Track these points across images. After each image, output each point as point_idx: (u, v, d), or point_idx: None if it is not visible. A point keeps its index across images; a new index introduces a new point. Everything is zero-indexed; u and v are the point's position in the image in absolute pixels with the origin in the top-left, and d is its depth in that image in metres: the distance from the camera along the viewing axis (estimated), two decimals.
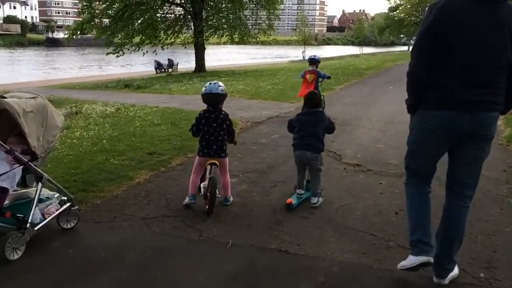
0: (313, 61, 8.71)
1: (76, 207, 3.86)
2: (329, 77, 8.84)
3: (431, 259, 2.82)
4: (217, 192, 4.18)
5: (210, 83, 4.27)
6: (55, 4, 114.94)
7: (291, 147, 4.55)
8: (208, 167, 4.26)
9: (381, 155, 6.15)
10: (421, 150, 2.91)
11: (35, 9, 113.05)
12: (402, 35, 74.18)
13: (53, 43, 70.04)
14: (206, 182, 4.25)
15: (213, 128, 4.19)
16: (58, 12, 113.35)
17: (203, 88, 4.28)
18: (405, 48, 74.52)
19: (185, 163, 5.66)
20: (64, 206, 3.74)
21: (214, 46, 49.80)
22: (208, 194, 4.09)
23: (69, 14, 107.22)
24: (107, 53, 23.39)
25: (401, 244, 3.49)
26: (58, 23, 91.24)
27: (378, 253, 3.37)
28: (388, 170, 5.43)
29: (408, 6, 60.93)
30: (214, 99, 4.24)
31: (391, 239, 3.59)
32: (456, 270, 2.99)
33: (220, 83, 4.29)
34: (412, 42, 73.16)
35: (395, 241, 3.56)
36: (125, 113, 9.62)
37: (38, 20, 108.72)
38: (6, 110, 3.31)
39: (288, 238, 3.60)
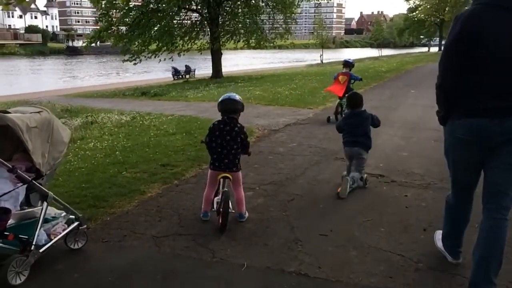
0: (347, 63, 9.21)
1: (85, 226, 3.66)
2: (361, 79, 9.15)
3: (459, 261, 3.16)
4: (230, 207, 3.96)
5: (226, 94, 4.15)
6: (75, 13, 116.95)
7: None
8: (221, 180, 4.03)
9: (405, 164, 5.84)
10: (457, 160, 2.94)
11: (56, 19, 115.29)
12: (422, 36, 73.19)
13: (73, 52, 71.19)
14: (219, 197, 4.04)
15: (226, 141, 3.97)
16: (78, 21, 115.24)
17: (220, 98, 4.11)
18: (425, 49, 73.37)
19: (199, 175, 5.45)
20: (72, 226, 3.55)
21: (231, 51, 49.86)
22: (221, 209, 3.87)
23: (88, 22, 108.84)
24: (124, 61, 23.47)
25: (431, 266, 3.20)
26: (78, 32, 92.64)
27: (406, 277, 3.08)
28: (413, 181, 5.11)
29: (428, 6, 60.09)
30: (231, 106, 4.03)
31: (420, 260, 3.29)
32: None
33: (237, 95, 4.14)
34: (432, 43, 72.25)
35: (425, 262, 3.27)
36: (140, 122, 9.50)
37: (58, 29, 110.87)
38: (9, 126, 3.16)
39: (308, 259, 3.34)
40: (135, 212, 4.33)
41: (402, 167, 5.67)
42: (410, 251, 3.44)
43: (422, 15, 62.51)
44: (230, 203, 3.98)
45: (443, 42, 63.81)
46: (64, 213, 3.64)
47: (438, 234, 3.39)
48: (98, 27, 24.54)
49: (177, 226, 3.98)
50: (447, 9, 58.19)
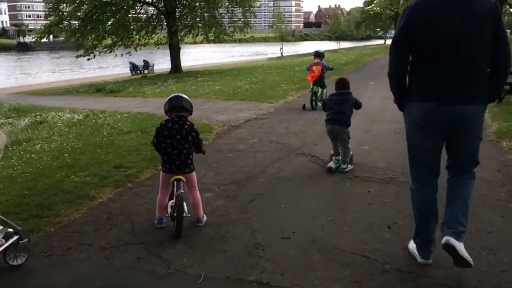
0: (318, 54, 9.81)
1: (25, 240, 3.30)
2: (332, 69, 10.31)
3: (429, 262, 3.05)
4: (186, 211, 3.69)
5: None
6: (26, 8, 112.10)
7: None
8: (175, 183, 3.74)
9: (366, 158, 5.74)
10: (416, 143, 3.00)
11: (5, 14, 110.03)
12: (378, 29, 74.67)
13: (25, 48, 68.07)
14: (173, 201, 3.76)
15: (176, 141, 3.70)
16: (29, 16, 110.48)
17: (167, 98, 3.86)
18: (381, 41, 74.93)
19: (155, 177, 5.13)
20: (10, 241, 3.19)
21: (191, 46, 49.03)
22: (175, 214, 3.61)
23: (40, 17, 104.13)
24: (77, 56, 22.51)
25: (398, 267, 3.06)
26: (30, 27, 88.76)
27: (373, 280, 2.92)
28: (375, 176, 5.01)
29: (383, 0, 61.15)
30: (178, 103, 3.79)
31: (386, 261, 3.15)
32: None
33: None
34: (388, 35, 73.84)
35: (391, 263, 3.12)
36: (94, 120, 9.03)
37: (8, 25, 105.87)
38: None
39: (270, 266, 3.12)
40: (83, 220, 3.99)
41: (364, 161, 5.57)
42: (376, 251, 3.30)
43: (378, 9, 63.65)
44: (185, 206, 3.71)
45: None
46: (1, 227, 3.27)
47: (411, 241, 3.23)
48: (48, 22, 23.44)
49: (129, 235, 3.68)
50: (401, 2, 59.45)
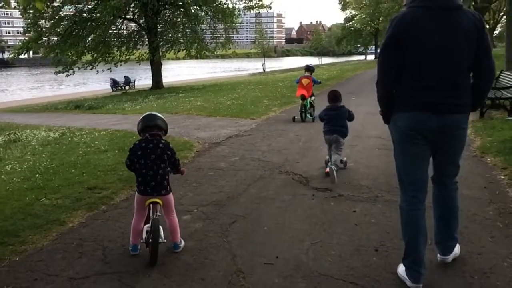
0: (309, 68, 10.09)
1: None
2: (320, 82, 10.70)
3: (420, 286, 2.91)
4: (162, 236, 3.48)
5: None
6: (5, 24, 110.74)
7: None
8: (151, 206, 3.51)
9: (351, 175, 5.58)
10: (404, 155, 2.98)
11: None
12: (359, 45, 75.72)
13: (4, 64, 67.03)
14: (149, 225, 3.51)
15: (151, 161, 3.48)
16: (9, 32, 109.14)
17: (140, 117, 3.66)
18: (362, 57, 76.01)
19: (131, 198, 4.85)
20: None
21: (173, 61, 48.95)
22: (150, 240, 3.37)
23: (20, 33, 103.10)
24: (56, 73, 22.13)
25: None
26: (9, 43, 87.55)
27: None
28: (360, 194, 4.85)
29: (363, 16, 62.25)
30: (151, 122, 3.58)
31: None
32: (457, 249, 3.26)
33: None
34: (368, 51, 74.96)
35: None
36: (70, 138, 8.73)
37: None
38: None
39: None
40: (51, 248, 3.72)
41: (349, 179, 5.41)
42: (364, 277, 3.11)
43: (358, 25, 64.68)
44: (161, 231, 3.50)
45: (378, 51, 66.70)
46: None
47: (401, 265, 3.11)
48: (27, 38, 23.04)
49: (101, 263, 3.42)
50: (381, 19, 60.59)
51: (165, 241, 3.54)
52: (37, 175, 5.74)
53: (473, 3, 34.39)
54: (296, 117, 9.76)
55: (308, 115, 9.80)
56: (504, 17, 52.39)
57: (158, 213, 3.53)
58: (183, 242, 3.66)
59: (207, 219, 4.27)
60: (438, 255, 3.21)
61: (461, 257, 3.30)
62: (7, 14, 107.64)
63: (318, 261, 3.37)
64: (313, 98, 9.96)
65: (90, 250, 3.64)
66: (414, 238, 2.94)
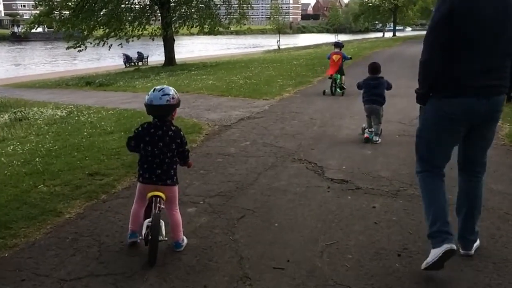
0: (338, 44, 10.75)
1: None
2: (350, 58, 11.30)
3: (454, 247, 2.77)
4: (162, 234, 3.19)
5: (154, 89, 3.21)
6: None
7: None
8: (153, 199, 3.19)
9: (369, 165, 5.20)
10: (438, 139, 2.94)
11: None
12: (376, 22, 73.86)
13: (19, 38, 67.03)
14: (150, 219, 3.20)
15: (159, 149, 3.18)
16: (24, 6, 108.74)
17: (146, 96, 3.23)
18: (380, 34, 74.10)
19: (133, 186, 4.53)
20: None
21: (187, 37, 48.27)
22: (149, 237, 3.07)
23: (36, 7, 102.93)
24: (67, 48, 21.79)
25: None
26: (25, 17, 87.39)
27: None
28: (380, 188, 4.47)
29: None
30: (156, 112, 3.22)
31: None
32: (478, 241, 3.15)
33: (168, 89, 3.22)
34: (386, 28, 73.11)
35: None
36: (76, 117, 8.45)
37: (3, 15, 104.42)
38: None
39: None
40: (44, 243, 3.44)
41: (367, 169, 5.03)
42: (386, 287, 2.77)
43: (377, 1, 62.92)
44: (163, 229, 3.21)
45: (397, 27, 64.31)
46: None
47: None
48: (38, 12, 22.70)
49: (95, 262, 3.13)
50: None
51: (166, 239, 3.25)
52: (37, 159, 5.46)
53: None
54: (326, 91, 10.28)
55: (338, 89, 10.26)
56: None
57: (162, 206, 3.23)
58: (185, 240, 3.36)
59: (213, 212, 3.95)
60: (460, 250, 3.08)
61: (494, 265, 2.96)
62: None
63: (333, 266, 3.03)
64: (343, 77, 10.44)
65: (85, 246, 3.35)
66: (439, 207, 2.88)
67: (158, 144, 3.18)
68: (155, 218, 3.08)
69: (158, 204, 3.18)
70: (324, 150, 5.85)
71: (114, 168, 5.11)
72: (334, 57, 10.13)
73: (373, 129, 6.15)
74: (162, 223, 3.25)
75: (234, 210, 3.99)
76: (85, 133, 6.84)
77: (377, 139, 6.08)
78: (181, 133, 3.29)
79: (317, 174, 4.93)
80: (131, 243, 3.32)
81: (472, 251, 3.08)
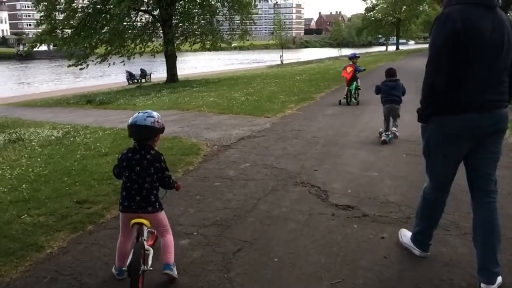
0: (352, 57, 11.51)
1: None
2: (364, 69, 12.10)
3: (428, 254, 3.26)
4: (148, 264, 2.98)
5: (139, 112, 3.07)
6: (26, 16, 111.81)
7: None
8: (136, 226, 2.95)
9: (376, 188, 4.87)
10: (443, 156, 2.96)
11: (6, 22, 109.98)
12: (379, 35, 73.97)
13: (23, 57, 67.55)
14: None
15: (136, 173, 2.97)
16: (30, 25, 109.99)
17: (130, 118, 3.07)
18: (383, 48, 74.12)
19: None
20: None
21: (190, 53, 48.34)
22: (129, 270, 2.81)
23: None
24: (69, 66, 21.72)
25: None
26: (30, 36, 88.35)
27: None
28: (389, 214, 4.14)
29: (385, 5, 60.67)
30: (139, 133, 3.02)
31: None
32: (500, 278, 2.89)
33: (153, 113, 3.07)
34: (389, 42, 73.14)
35: None
36: (72, 138, 8.20)
37: (9, 33, 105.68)
38: None
39: None
40: (20, 283, 3.13)
41: (374, 194, 4.70)
42: None
43: (379, 15, 63.06)
44: (150, 257, 3.05)
45: (400, 41, 64.15)
46: None
47: (404, 231, 3.50)
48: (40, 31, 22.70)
49: None
50: (403, 8, 58.92)
51: (151, 269, 2.98)
52: (24, 185, 5.17)
53: None
54: (342, 100, 11.02)
55: (353, 99, 10.98)
56: None
57: (145, 237, 3.06)
58: (174, 270, 3.07)
59: (207, 245, 3.63)
60: (482, 284, 2.85)
61: None
62: (28, 6, 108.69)
63: None
64: (358, 81, 11.13)
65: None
66: (432, 226, 3.20)
67: (135, 169, 2.98)
68: (136, 247, 2.87)
69: (141, 233, 2.96)
70: (328, 172, 5.53)
71: (105, 194, 4.81)
72: (347, 69, 10.91)
73: (389, 132, 6.91)
74: (150, 252, 3.09)
75: (230, 242, 3.67)
76: (78, 156, 6.57)
77: (395, 130, 6.95)
78: (162, 157, 3.08)
79: (320, 199, 4.61)
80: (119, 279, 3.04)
81: (496, 286, 2.83)
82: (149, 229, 3.16)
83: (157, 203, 3.02)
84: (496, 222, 2.91)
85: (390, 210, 4.25)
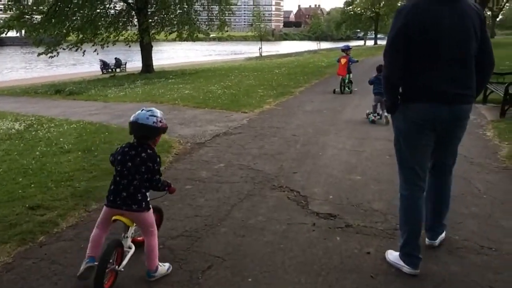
0: (345, 48, 12.04)
1: None
2: (356, 61, 12.51)
3: (418, 272, 2.98)
4: (122, 264, 2.89)
5: (143, 109, 2.99)
6: None
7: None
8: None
9: (360, 194, 4.54)
10: (411, 145, 2.97)
11: None
12: (358, 30, 74.23)
13: None
14: None
15: (127, 169, 2.88)
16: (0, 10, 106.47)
17: (132, 115, 2.96)
18: (361, 42, 74.36)
19: (81, 224, 3.85)
20: None
21: (168, 43, 47.30)
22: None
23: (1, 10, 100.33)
24: (39, 54, 20.74)
25: None
26: None
27: None
28: (374, 225, 3.80)
29: (364, 0, 60.77)
30: (139, 132, 2.94)
31: None
32: (443, 234, 3.38)
33: (156, 112, 2.99)
34: (367, 36, 73.53)
35: None
36: (34, 132, 7.63)
37: None
38: None
39: None
40: None
41: (357, 200, 4.37)
42: None
43: (358, 9, 63.18)
44: (127, 257, 2.94)
45: (378, 36, 64.83)
46: None
47: (391, 251, 3.22)
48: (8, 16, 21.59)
49: None
50: (382, 3, 59.13)
51: (122, 270, 2.87)
52: None
53: None
54: (336, 90, 11.77)
55: (346, 88, 11.70)
56: (507, 4, 51.26)
57: (128, 235, 2.99)
58: (163, 270, 2.97)
59: (174, 261, 3.22)
60: (427, 239, 3.33)
61: None
62: None
63: None
64: (351, 75, 11.77)
65: None
66: (416, 225, 3.01)
67: (127, 164, 2.89)
68: (110, 244, 2.79)
69: (125, 231, 2.98)
70: (308, 174, 5.17)
71: (62, 198, 4.34)
72: (342, 60, 11.45)
73: (376, 114, 7.96)
74: (130, 251, 2.99)
75: (199, 257, 3.27)
76: (38, 153, 6.04)
77: (386, 114, 7.47)
78: (157, 159, 2.96)
79: (300, 206, 4.25)
80: (87, 268, 2.79)
81: (437, 243, 3.32)
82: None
83: (143, 202, 2.90)
84: (448, 194, 3.25)
85: (375, 219, 3.92)
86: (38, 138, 7.09)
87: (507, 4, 48.96)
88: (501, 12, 49.65)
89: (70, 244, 3.48)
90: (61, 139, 6.84)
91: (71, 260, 3.21)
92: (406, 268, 3.01)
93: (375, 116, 7.98)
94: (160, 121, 2.94)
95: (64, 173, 5.08)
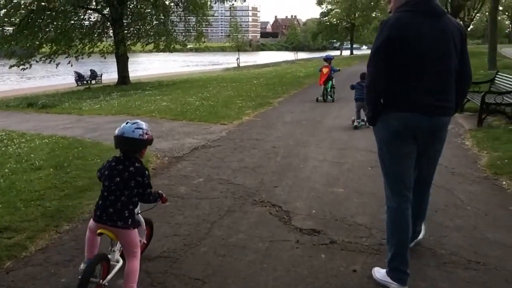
0: (327, 58, 12.42)
1: None
2: (338, 70, 12.72)
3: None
4: (107, 279, 2.82)
5: (127, 122, 2.91)
6: None
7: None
8: (100, 239, 2.91)
9: (343, 208, 4.44)
10: (395, 155, 2.96)
11: None
12: (334, 40, 75.10)
13: None
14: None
15: (115, 184, 2.80)
16: None
17: (117, 128, 2.89)
18: (337, 52, 75.25)
19: (51, 248, 3.62)
20: None
21: (144, 54, 46.92)
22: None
23: None
24: (10, 66, 20.21)
25: None
26: None
27: None
28: (358, 241, 3.70)
29: (339, 11, 61.64)
30: (126, 146, 2.87)
31: None
32: (421, 235, 3.54)
33: (142, 124, 2.93)
34: (343, 47, 74.52)
35: None
36: (4, 148, 7.30)
37: None
38: None
39: None
40: None
41: (341, 214, 4.26)
42: None
43: (334, 20, 63.98)
44: (114, 270, 2.89)
45: (354, 46, 65.66)
46: None
47: (378, 268, 3.13)
48: None
49: None
50: (357, 14, 60.08)
51: (106, 284, 2.79)
52: None
53: (450, 1, 34.04)
54: (319, 98, 12.04)
55: (329, 97, 12.05)
56: (478, 14, 52.78)
57: (115, 248, 2.96)
58: None
59: (152, 285, 3.04)
60: None
61: None
62: None
63: None
64: (334, 80, 12.13)
65: None
66: (404, 239, 2.96)
67: (115, 179, 2.80)
68: (94, 258, 2.78)
69: (112, 244, 2.95)
70: (289, 188, 5.05)
71: (31, 219, 4.10)
72: (324, 70, 11.81)
73: (359, 120, 8.26)
74: (117, 265, 2.94)
75: (178, 281, 3.10)
76: (7, 170, 5.75)
77: (365, 124, 7.82)
78: (146, 172, 2.89)
79: (282, 221, 4.11)
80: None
81: (412, 244, 3.35)
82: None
83: (129, 220, 2.81)
84: (427, 202, 3.34)
85: (360, 234, 3.81)
86: (8, 155, 6.78)
87: (477, 14, 50.29)
88: (472, 22, 50.93)
89: (39, 270, 3.26)
90: (32, 155, 6.56)
91: (40, 286, 3.00)
92: (394, 285, 2.92)
93: (358, 122, 8.28)
94: (146, 133, 2.88)
95: (34, 192, 4.83)
